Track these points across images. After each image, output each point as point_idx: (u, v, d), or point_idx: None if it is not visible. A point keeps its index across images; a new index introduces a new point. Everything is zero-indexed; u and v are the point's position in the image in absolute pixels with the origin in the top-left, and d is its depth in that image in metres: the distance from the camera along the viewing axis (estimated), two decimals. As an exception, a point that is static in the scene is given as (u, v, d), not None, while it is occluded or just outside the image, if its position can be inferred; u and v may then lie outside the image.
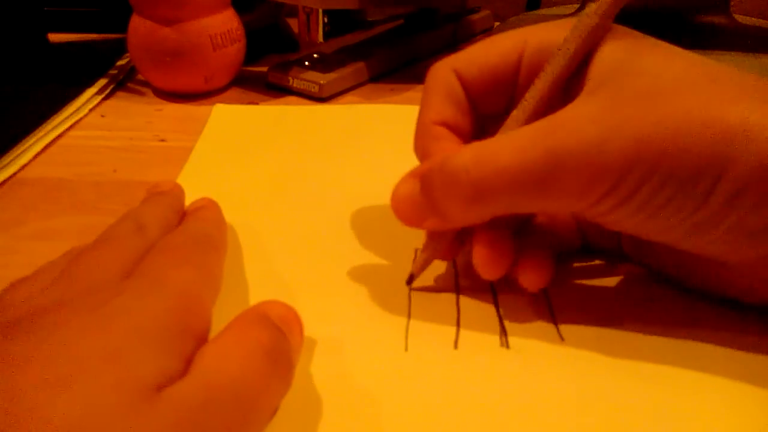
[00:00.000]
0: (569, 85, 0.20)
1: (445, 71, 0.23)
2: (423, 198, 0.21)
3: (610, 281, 0.24)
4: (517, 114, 0.21)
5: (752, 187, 0.17)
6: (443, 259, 0.24)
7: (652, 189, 0.18)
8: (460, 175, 0.19)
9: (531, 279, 0.21)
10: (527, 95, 0.21)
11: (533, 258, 0.21)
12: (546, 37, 0.21)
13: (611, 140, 0.17)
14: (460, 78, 0.23)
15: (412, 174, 0.22)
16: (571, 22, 0.20)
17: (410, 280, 0.23)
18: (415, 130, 0.24)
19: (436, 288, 0.24)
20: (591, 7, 0.19)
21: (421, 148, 0.23)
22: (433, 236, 0.23)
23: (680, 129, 0.17)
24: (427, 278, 0.24)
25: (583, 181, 0.18)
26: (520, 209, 0.20)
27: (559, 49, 0.20)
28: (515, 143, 0.19)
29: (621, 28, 0.20)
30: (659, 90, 0.18)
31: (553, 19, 0.22)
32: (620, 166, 0.17)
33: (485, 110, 0.23)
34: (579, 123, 0.18)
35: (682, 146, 0.17)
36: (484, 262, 0.21)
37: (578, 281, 0.24)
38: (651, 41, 0.19)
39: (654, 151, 0.17)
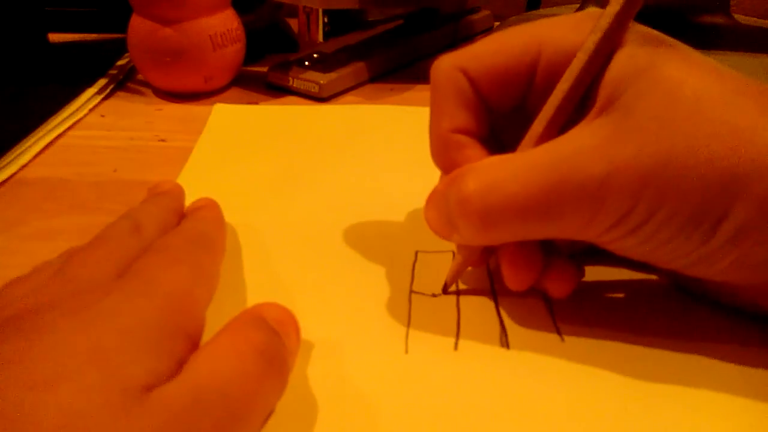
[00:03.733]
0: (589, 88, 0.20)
1: (451, 71, 0.21)
2: (445, 215, 0.20)
3: (611, 282, 0.24)
4: (537, 127, 0.20)
5: (756, 225, 0.17)
6: (475, 266, 0.24)
7: (656, 225, 0.18)
8: (467, 204, 0.19)
9: (558, 287, 0.22)
10: (546, 106, 0.20)
11: (558, 266, 0.21)
12: (565, 37, 0.20)
13: (616, 177, 0.17)
14: (469, 78, 0.21)
15: (438, 188, 0.21)
16: (586, 17, 0.20)
17: (445, 288, 0.23)
18: (430, 140, 0.23)
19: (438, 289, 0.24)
20: (608, 11, 0.18)
21: (443, 159, 0.22)
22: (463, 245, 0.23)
23: (686, 167, 0.17)
24: (427, 279, 0.24)
25: (587, 215, 0.18)
26: (530, 236, 0.20)
27: (576, 57, 0.19)
28: (521, 174, 0.19)
29: (640, 28, 0.19)
30: (670, 116, 0.17)
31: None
32: (624, 202, 0.17)
33: (496, 107, 0.22)
34: (584, 156, 0.18)
35: (686, 185, 0.17)
36: (511, 274, 0.21)
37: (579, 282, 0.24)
38: (670, 47, 0.18)
39: (658, 190, 0.17)
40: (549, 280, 0.21)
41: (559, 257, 0.22)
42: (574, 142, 0.18)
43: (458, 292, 0.23)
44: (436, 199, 0.21)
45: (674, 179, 0.17)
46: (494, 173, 0.19)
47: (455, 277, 0.23)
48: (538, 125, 0.20)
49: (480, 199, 0.19)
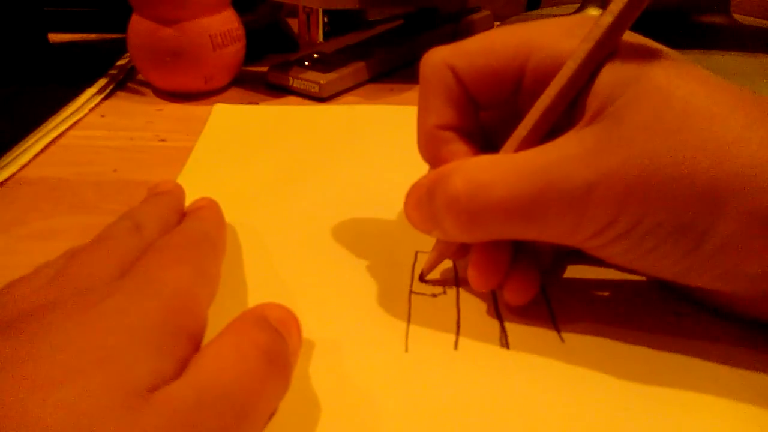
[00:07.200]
0: (576, 97, 0.20)
1: (440, 68, 0.22)
2: (428, 211, 0.21)
3: (610, 282, 0.24)
4: (519, 133, 0.20)
5: (742, 239, 0.17)
6: (452, 258, 0.24)
7: (640, 234, 0.18)
8: (456, 203, 0.19)
9: (515, 296, 0.22)
10: (531, 111, 0.20)
11: (520, 275, 0.22)
12: (555, 43, 0.20)
13: (600, 186, 0.17)
14: (457, 75, 0.21)
15: (421, 183, 0.21)
16: (579, 23, 0.20)
17: (421, 277, 0.24)
18: (417, 135, 0.23)
19: (438, 281, 0.24)
20: (601, 21, 0.18)
21: (429, 154, 0.23)
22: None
23: (670, 179, 0.17)
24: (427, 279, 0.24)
25: (571, 221, 0.18)
26: (514, 237, 0.20)
27: (565, 65, 0.19)
28: (509, 177, 0.19)
29: (631, 36, 0.19)
30: (658, 127, 0.17)
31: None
32: (608, 211, 0.18)
33: (484, 104, 0.22)
34: (570, 164, 0.18)
35: (670, 197, 0.17)
36: (476, 275, 0.22)
37: (578, 282, 0.24)
38: (660, 56, 0.18)
39: (642, 200, 0.17)
40: (507, 287, 0.22)
41: (523, 265, 0.22)
42: (561, 149, 0.18)
43: (458, 288, 0.23)
44: (418, 194, 0.21)
45: (658, 191, 0.17)
46: (482, 174, 0.19)
47: (431, 268, 0.24)
48: (522, 129, 0.20)
49: (468, 199, 0.19)
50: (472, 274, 0.22)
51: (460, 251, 0.23)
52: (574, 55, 0.19)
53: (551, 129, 0.20)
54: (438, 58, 0.22)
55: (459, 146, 0.22)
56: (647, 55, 0.18)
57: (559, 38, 0.20)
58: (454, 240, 0.22)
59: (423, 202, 0.21)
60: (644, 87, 0.18)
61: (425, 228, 0.21)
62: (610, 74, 0.18)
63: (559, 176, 0.18)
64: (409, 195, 0.22)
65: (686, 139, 0.17)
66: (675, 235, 0.17)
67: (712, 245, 0.17)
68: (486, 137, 0.23)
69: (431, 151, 0.22)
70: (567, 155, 0.18)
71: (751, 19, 0.47)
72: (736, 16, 0.44)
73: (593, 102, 0.19)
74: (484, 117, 0.23)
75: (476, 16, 0.55)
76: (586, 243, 0.19)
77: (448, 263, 0.25)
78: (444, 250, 0.23)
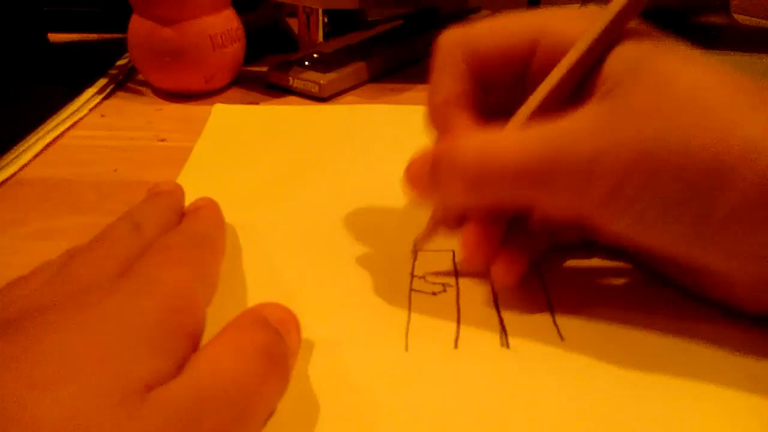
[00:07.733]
0: (583, 81, 0.20)
1: (454, 47, 0.23)
2: (431, 175, 0.21)
3: (611, 280, 0.24)
4: (527, 107, 0.21)
5: (746, 212, 0.17)
6: (448, 228, 0.25)
7: (644, 205, 0.18)
8: (464, 166, 0.20)
9: (502, 274, 0.22)
10: (539, 88, 0.21)
11: (509, 255, 0.22)
12: (566, 28, 0.21)
13: (606, 156, 0.18)
14: (470, 54, 0.22)
15: (424, 153, 0.22)
16: (589, 12, 0.20)
17: (415, 247, 0.25)
18: (426, 107, 0.24)
19: (438, 274, 0.24)
20: (611, 6, 0.19)
21: (437, 125, 0.23)
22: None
23: (677, 152, 0.17)
24: (427, 271, 0.24)
25: (577, 189, 0.19)
26: (522, 203, 0.21)
27: (574, 46, 0.20)
28: (518, 144, 0.19)
29: (640, 27, 0.20)
30: (665, 103, 0.18)
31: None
32: (612, 180, 0.18)
33: (494, 83, 0.23)
34: (577, 135, 0.19)
35: (676, 169, 0.17)
36: (469, 243, 0.22)
37: (578, 280, 0.24)
38: (669, 44, 0.19)
39: (647, 171, 0.18)
40: (495, 265, 0.22)
41: (512, 245, 0.22)
42: (571, 122, 0.19)
43: (458, 283, 0.23)
44: (421, 162, 0.22)
45: (664, 162, 0.17)
46: (492, 142, 0.20)
47: (426, 237, 0.24)
48: (532, 102, 0.21)
49: (478, 162, 0.20)
50: (465, 241, 0.22)
51: (457, 221, 0.24)
52: (584, 36, 0.19)
53: (560, 109, 0.20)
54: (453, 37, 0.23)
55: (467, 120, 0.23)
56: (656, 42, 0.19)
57: (569, 23, 0.21)
58: (453, 202, 0.22)
59: (426, 168, 0.21)
60: (653, 68, 0.18)
61: (424, 192, 0.22)
62: (620, 57, 0.19)
63: (567, 144, 0.19)
64: (411, 162, 0.22)
65: (693, 118, 0.17)
66: (681, 206, 0.18)
67: (719, 216, 0.17)
68: (493, 117, 0.23)
69: (440, 123, 0.23)
70: (576, 127, 0.19)
71: (751, 19, 0.47)
72: (736, 16, 0.44)
73: (602, 83, 0.19)
74: (492, 97, 0.24)
75: (476, 16, 0.55)
76: (593, 213, 0.19)
77: (447, 260, 0.25)
78: (442, 219, 0.24)
